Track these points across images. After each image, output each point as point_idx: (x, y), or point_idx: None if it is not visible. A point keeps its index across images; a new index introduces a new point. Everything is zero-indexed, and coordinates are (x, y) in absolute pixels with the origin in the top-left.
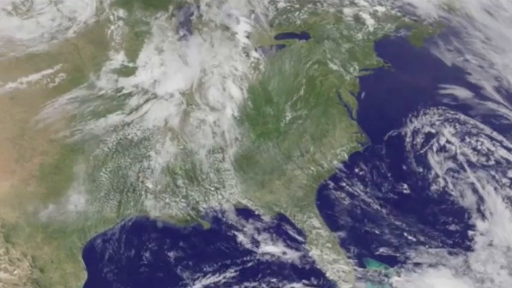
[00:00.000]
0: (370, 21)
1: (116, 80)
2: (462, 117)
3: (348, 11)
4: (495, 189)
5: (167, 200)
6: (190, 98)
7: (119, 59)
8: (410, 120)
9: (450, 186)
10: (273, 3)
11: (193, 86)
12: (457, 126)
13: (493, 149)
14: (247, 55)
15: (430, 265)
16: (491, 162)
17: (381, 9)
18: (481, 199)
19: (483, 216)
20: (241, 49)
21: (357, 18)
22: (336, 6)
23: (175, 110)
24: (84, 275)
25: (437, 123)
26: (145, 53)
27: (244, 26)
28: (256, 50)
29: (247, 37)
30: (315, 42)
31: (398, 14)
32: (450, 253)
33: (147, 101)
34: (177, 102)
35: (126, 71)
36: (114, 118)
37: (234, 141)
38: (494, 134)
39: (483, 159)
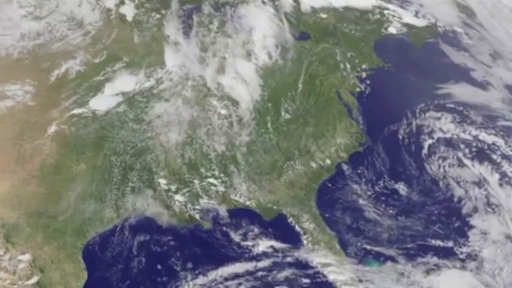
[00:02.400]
0: (395, 25)
1: (120, 77)
2: (465, 113)
3: (374, 16)
4: (497, 182)
5: (172, 188)
6: (199, 91)
7: (123, 56)
8: (408, 118)
9: (451, 182)
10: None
11: (203, 78)
12: (459, 123)
13: (497, 144)
14: (264, 51)
15: (432, 263)
16: (494, 157)
17: (406, 17)
18: (482, 194)
19: (485, 212)
20: (257, 45)
21: (379, 22)
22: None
23: (183, 103)
24: (84, 275)
25: (438, 120)
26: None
27: (261, 19)
28: (272, 46)
29: (263, 31)
30: (315, 42)
31: (417, 17)
32: (452, 251)
33: (152, 96)
34: (186, 95)
35: (132, 67)
36: (116, 116)
37: (241, 139)
38: (497, 131)
39: (484, 152)
